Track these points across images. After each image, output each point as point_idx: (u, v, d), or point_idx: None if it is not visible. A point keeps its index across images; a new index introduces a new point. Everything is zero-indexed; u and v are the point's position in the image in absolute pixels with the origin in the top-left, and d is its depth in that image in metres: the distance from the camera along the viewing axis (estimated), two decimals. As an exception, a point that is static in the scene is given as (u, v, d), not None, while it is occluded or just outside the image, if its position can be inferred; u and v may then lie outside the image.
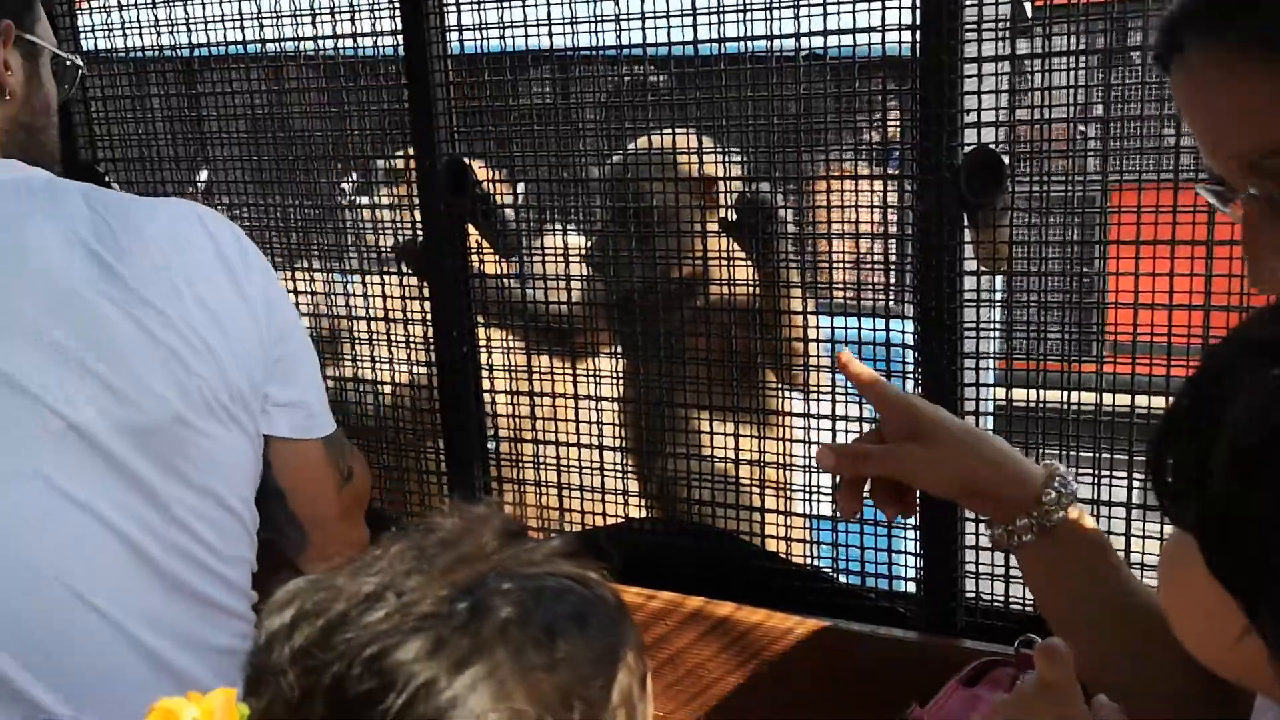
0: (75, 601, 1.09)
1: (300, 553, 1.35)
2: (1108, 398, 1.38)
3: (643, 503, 1.78)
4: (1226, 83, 0.76)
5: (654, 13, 1.53)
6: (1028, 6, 1.54)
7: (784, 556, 1.65)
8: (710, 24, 1.50)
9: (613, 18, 1.56)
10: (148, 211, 1.19)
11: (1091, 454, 1.41)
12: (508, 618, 0.71)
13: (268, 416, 1.26)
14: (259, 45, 1.85)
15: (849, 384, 1.56)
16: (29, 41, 1.24)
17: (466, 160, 1.70)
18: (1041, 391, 1.42)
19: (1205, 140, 0.80)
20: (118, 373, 1.10)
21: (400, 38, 1.70)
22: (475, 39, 1.67)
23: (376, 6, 1.73)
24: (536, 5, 1.61)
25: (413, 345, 1.86)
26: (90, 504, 1.10)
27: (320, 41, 1.79)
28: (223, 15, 1.85)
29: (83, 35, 2.03)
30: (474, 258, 1.78)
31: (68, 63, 1.33)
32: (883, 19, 1.39)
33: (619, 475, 1.76)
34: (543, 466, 1.80)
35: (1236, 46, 0.75)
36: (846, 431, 1.56)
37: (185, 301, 1.15)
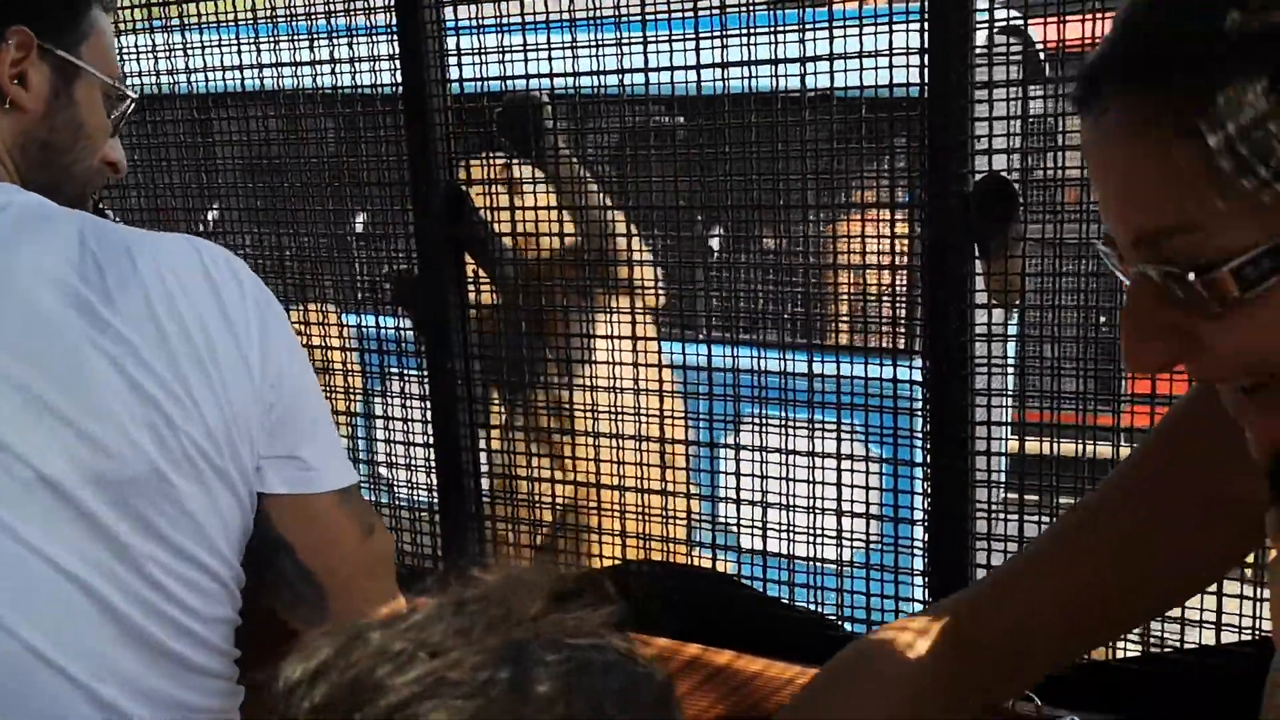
0: (28, 655, 1.02)
1: (321, 616, 1.20)
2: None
3: (639, 543, 1.72)
4: (1137, 148, 0.67)
5: (657, 49, 1.51)
6: (1041, 53, 1.51)
7: (787, 603, 1.59)
8: (715, 48, 1.47)
9: (614, 56, 1.53)
10: (142, 248, 1.11)
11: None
12: (550, 694, 0.65)
13: (260, 473, 1.15)
14: (256, 81, 1.84)
15: (854, 420, 1.51)
16: (60, 58, 1.19)
17: (464, 187, 1.66)
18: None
19: (1108, 204, 0.71)
20: (97, 422, 1.04)
21: (398, 68, 1.68)
22: (475, 78, 1.65)
23: (375, 42, 1.72)
24: (539, 49, 1.58)
25: (406, 378, 1.81)
26: (55, 556, 1.03)
27: (319, 78, 1.78)
28: (221, 63, 1.86)
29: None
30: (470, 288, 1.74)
31: (119, 93, 1.26)
32: (890, 45, 1.35)
33: (615, 515, 1.70)
34: (537, 505, 1.74)
35: (1153, 113, 0.66)
36: (852, 471, 1.50)
37: (173, 350, 1.07)
